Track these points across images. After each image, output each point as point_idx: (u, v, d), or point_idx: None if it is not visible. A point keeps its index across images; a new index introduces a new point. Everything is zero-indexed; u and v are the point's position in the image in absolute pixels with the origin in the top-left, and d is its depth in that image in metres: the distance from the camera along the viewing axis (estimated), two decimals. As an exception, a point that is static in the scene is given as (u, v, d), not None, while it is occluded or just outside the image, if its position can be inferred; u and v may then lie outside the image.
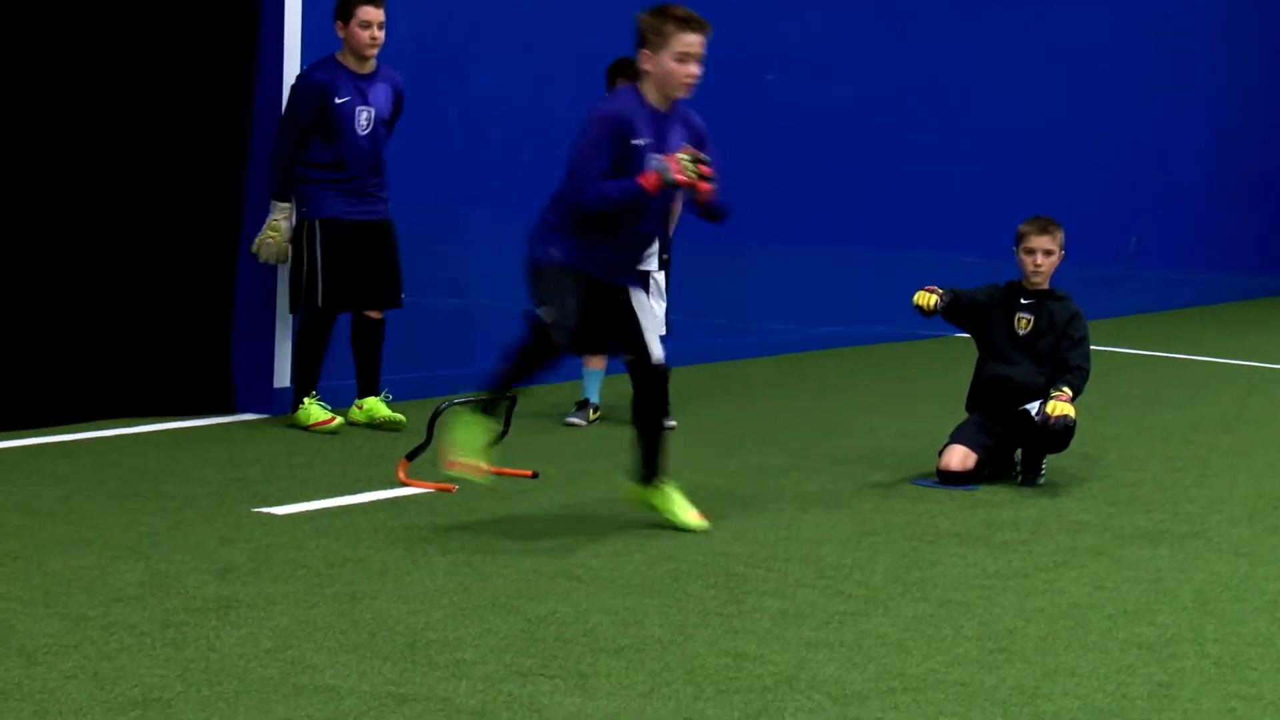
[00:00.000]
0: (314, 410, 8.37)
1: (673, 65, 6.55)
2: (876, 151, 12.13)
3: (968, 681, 5.11)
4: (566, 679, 4.98)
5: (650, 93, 6.65)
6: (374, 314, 8.53)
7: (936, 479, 7.81)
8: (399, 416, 8.47)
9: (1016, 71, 13.11)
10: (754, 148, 11.18)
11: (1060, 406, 7.63)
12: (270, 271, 8.66)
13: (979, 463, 7.79)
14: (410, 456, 7.48)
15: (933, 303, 7.79)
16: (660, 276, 8.93)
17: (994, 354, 7.98)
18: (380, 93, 8.41)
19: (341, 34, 8.30)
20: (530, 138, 9.80)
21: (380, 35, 8.30)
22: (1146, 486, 7.96)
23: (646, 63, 6.61)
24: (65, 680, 4.76)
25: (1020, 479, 7.86)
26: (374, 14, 8.26)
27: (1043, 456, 7.85)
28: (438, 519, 6.83)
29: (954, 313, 7.96)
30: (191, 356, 8.65)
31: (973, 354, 8.19)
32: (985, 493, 7.68)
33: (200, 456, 7.79)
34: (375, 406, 8.54)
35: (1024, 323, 7.94)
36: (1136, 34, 14.18)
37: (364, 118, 8.33)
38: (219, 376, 8.74)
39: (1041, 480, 7.84)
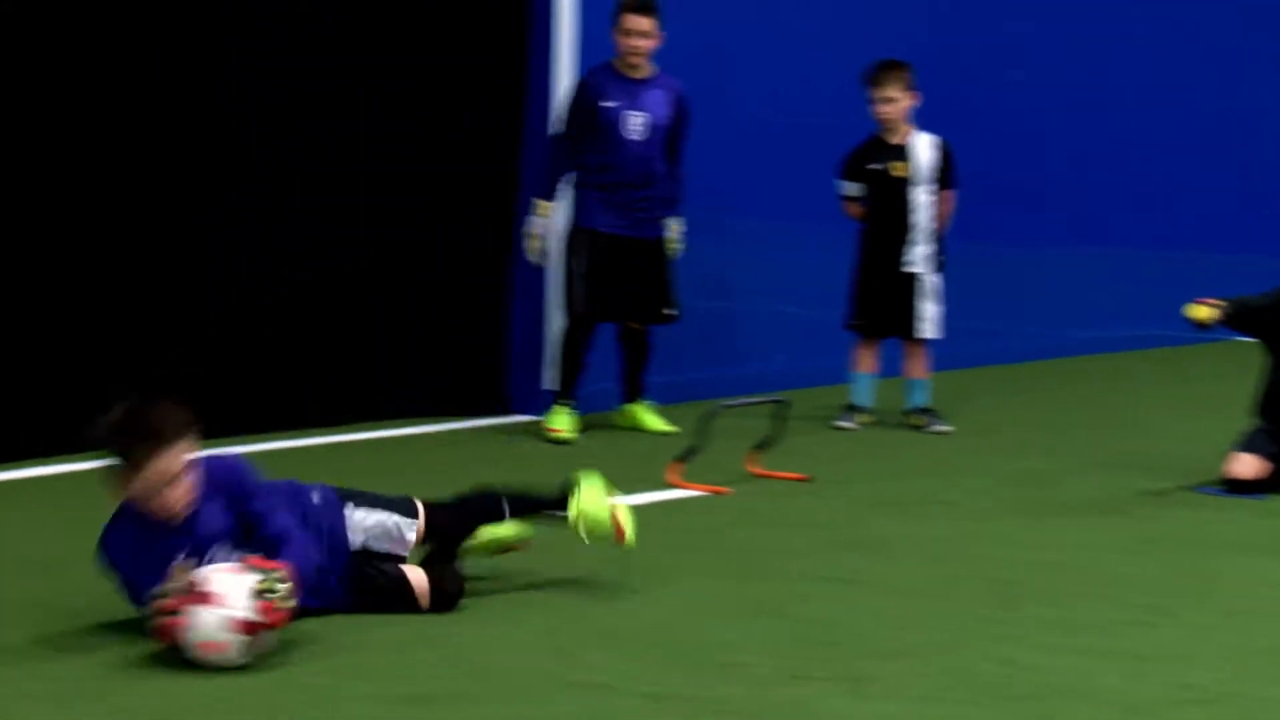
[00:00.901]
0: (557, 417, 8.34)
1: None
2: (1149, 151, 11.82)
3: (1261, 695, 4.93)
4: (838, 683, 4.93)
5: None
6: (635, 325, 8.52)
7: (1223, 487, 7.55)
8: (667, 427, 8.41)
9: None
10: (1005, 145, 10.96)
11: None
12: (542, 272, 8.76)
13: (1271, 471, 7.50)
14: (681, 459, 7.50)
15: (1206, 315, 7.49)
16: (933, 279, 8.81)
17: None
18: (656, 99, 8.34)
19: (613, 40, 8.34)
20: (794, 140, 9.76)
21: (643, 44, 8.25)
22: None
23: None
24: (335, 676, 4.85)
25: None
26: (636, 22, 8.23)
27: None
28: (709, 521, 6.82)
29: (1239, 322, 7.67)
30: (466, 359, 8.80)
31: (1255, 359, 7.90)
32: (1276, 502, 7.41)
33: (475, 456, 7.91)
34: (638, 414, 8.53)
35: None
36: None
37: (634, 123, 8.28)
38: (493, 378, 8.88)
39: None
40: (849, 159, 8.88)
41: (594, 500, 5.72)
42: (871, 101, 8.71)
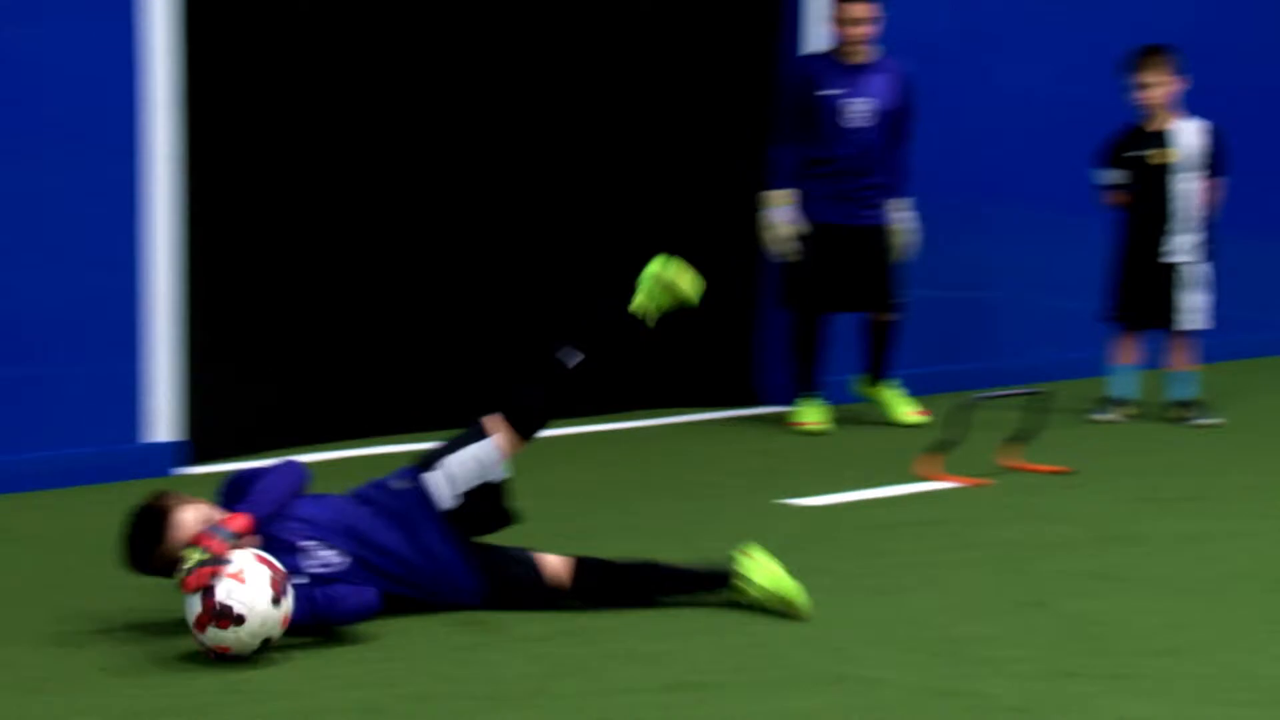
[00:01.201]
0: (805, 410, 8.29)
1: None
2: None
3: None
4: (1108, 680, 4.83)
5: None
6: (882, 317, 8.38)
7: None
8: (915, 418, 8.33)
9: None
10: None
11: None
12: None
13: None
14: (939, 451, 7.42)
15: None
16: (1197, 269, 8.58)
17: None
18: (879, 84, 8.17)
19: (833, 28, 8.20)
20: (1051, 128, 9.59)
21: (861, 31, 8.08)
22: None
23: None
24: (615, 660, 4.89)
25: None
26: (852, 10, 8.08)
27: None
28: (968, 514, 6.74)
29: None
30: (718, 350, 8.82)
31: None
32: None
33: (729, 447, 7.93)
34: (887, 398, 8.47)
35: None
36: None
37: (855, 110, 8.12)
38: (744, 369, 8.89)
39: None
40: (1107, 147, 8.71)
41: (769, 572, 5.38)
42: (1132, 88, 8.52)
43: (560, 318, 8.25)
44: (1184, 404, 8.67)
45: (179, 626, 4.93)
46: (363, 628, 5.03)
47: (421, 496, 5.29)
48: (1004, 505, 6.89)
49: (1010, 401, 7.80)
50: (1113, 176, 8.68)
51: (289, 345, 7.59)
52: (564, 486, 7.05)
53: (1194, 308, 8.60)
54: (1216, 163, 8.59)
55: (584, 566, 5.36)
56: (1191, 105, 8.72)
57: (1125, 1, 9.87)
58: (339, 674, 4.70)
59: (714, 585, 5.41)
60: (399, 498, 5.28)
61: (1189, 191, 8.56)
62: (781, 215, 8.19)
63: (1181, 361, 8.70)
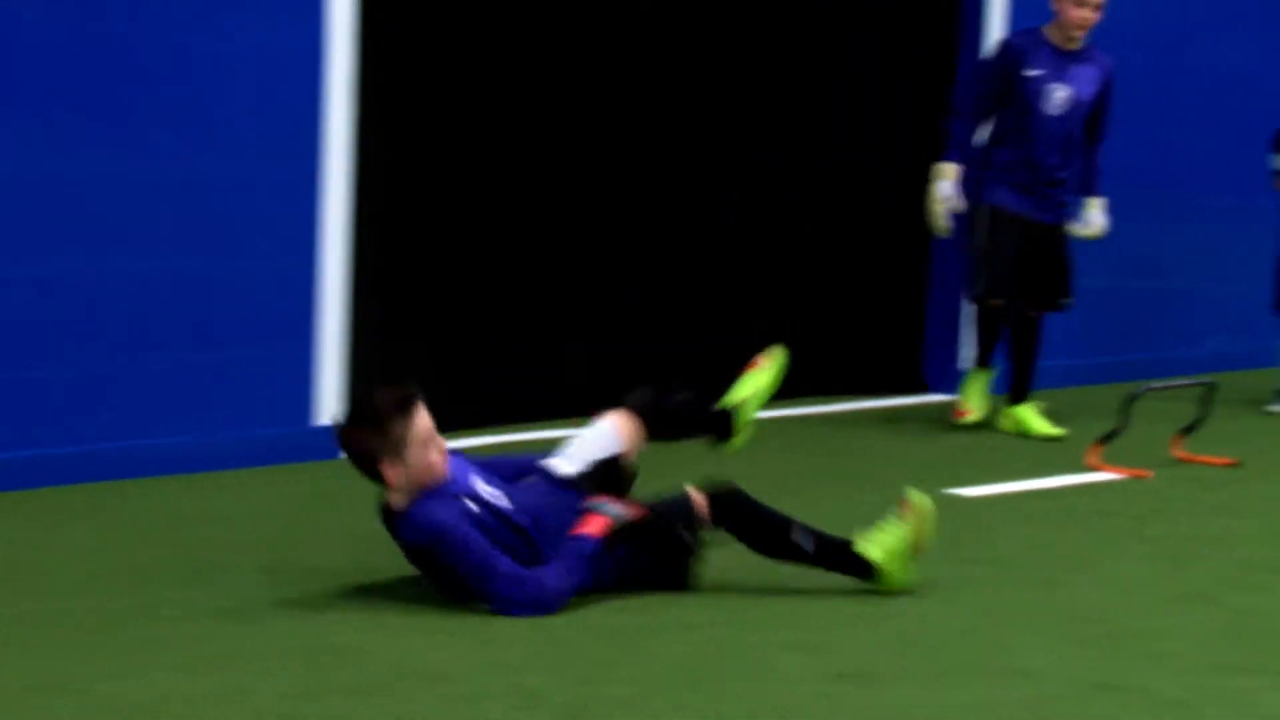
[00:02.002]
0: (970, 391, 8.04)
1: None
2: None
3: None
4: (1272, 676, 4.78)
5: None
6: (1031, 312, 7.98)
7: None
8: (1057, 430, 7.88)
9: None
10: None
11: None
12: (960, 251, 8.68)
13: None
14: (1103, 441, 7.36)
15: None
16: None
17: None
18: (1084, 74, 7.76)
19: (1055, 6, 7.73)
20: (1234, 115, 9.43)
21: (1095, 16, 7.68)
22: None
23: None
24: (780, 650, 4.92)
25: None
26: None
27: None
28: (1133, 505, 6.68)
29: None
30: (886, 337, 8.81)
31: None
32: None
33: (894, 435, 7.92)
34: (1026, 417, 7.98)
35: None
36: None
37: (1058, 97, 7.73)
38: (911, 356, 8.87)
39: None
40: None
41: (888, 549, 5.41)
42: None
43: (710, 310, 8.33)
44: None
45: (346, 607, 5.04)
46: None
47: (547, 476, 5.44)
48: (1170, 497, 6.82)
49: (1179, 393, 7.70)
50: None
51: (456, 332, 7.71)
52: (730, 473, 7.06)
53: None
54: None
55: (719, 500, 5.39)
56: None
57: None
58: (499, 659, 4.78)
59: (844, 567, 5.39)
60: (534, 487, 5.42)
61: None
62: (945, 190, 7.80)
63: None
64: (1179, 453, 7.44)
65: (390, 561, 5.33)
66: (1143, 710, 4.51)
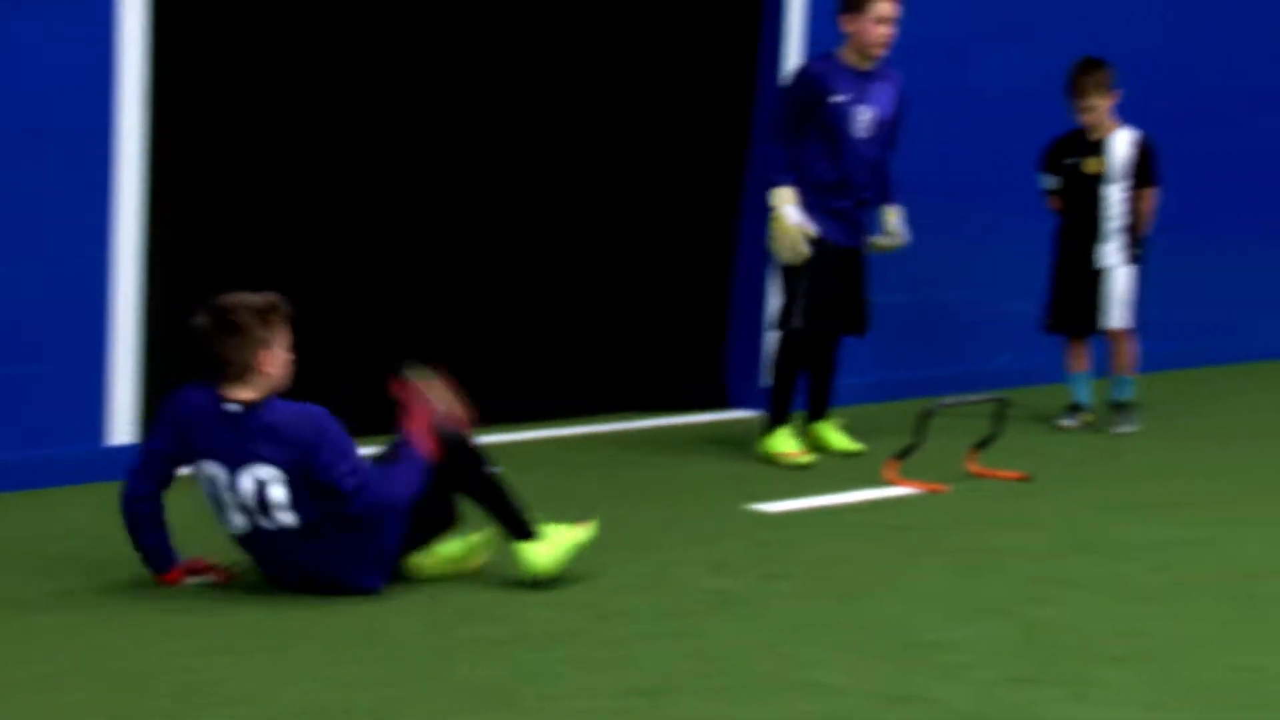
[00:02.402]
0: (782, 440, 7.70)
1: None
2: None
3: None
4: (1064, 687, 4.86)
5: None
6: (842, 335, 7.92)
7: None
8: (856, 446, 7.84)
9: None
10: (1225, 136, 10.71)
11: None
12: (762, 269, 8.75)
13: None
14: (900, 456, 7.45)
15: None
16: (1122, 271, 8.55)
17: None
18: (883, 93, 7.69)
19: (850, 28, 7.59)
20: (1025, 132, 9.61)
21: (892, 33, 7.59)
22: None
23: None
24: (571, 666, 4.91)
25: None
26: (891, 9, 7.56)
27: None
28: (930, 519, 6.77)
29: None
30: (687, 354, 8.84)
31: None
32: None
33: (696, 452, 7.94)
34: (826, 434, 7.91)
35: None
36: None
37: (864, 119, 7.63)
38: (713, 374, 8.91)
39: None
40: (1048, 151, 8.73)
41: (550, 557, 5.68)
42: (1072, 102, 8.56)
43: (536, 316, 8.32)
44: (1115, 405, 8.66)
45: (137, 628, 4.93)
46: (329, 627, 5.05)
47: None
48: (966, 511, 6.92)
49: (973, 408, 7.84)
50: (1050, 181, 8.70)
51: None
52: (532, 491, 7.04)
53: (1115, 308, 8.57)
54: (1147, 173, 8.57)
55: (449, 444, 5.61)
56: (1161, 115, 8.75)
57: (1102, 7, 9.90)
58: (299, 677, 4.70)
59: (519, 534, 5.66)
60: None
61: (1118, 201, 8.55)
62: (795, 215, 7.58)
63: (1117, 365, 8.70)
64: (974, 467, 7.56)
65: (187, 590, 5.21)
66: (936, 722, 4.58)
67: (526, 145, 8.26)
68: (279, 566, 5.44)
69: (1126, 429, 8.58)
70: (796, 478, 7.44)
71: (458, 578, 5.67)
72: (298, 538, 5.35)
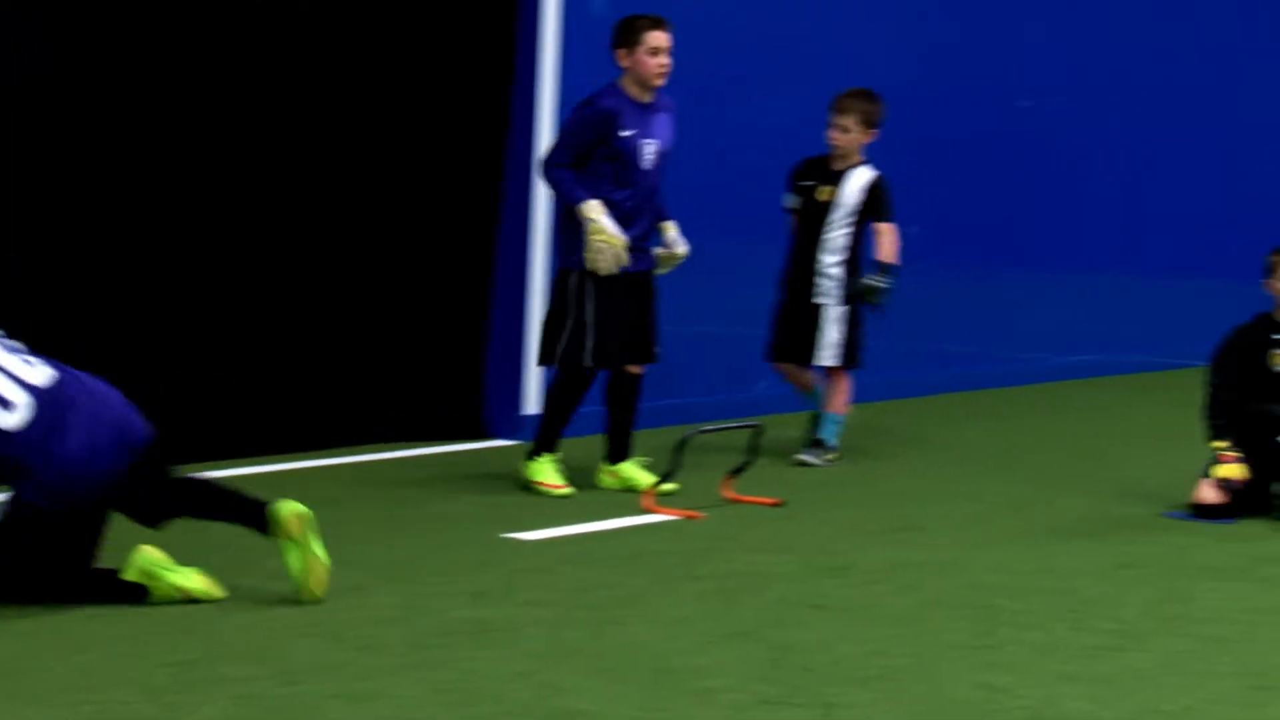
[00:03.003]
0: (548, 470, 7.68)
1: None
2: (1134, 175, 11.90)
3: (1229, 719, 4.97)
4: (813, 708, 4.96)
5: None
6: (635, 369, 7.84)
7: (1191, 512, 7.62)
8: (669, 486, 7.60)
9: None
10: (1007, 171, 11.08)
11: (1315, 437, 7.40)
12: (522, 297, 8.77)
13: (1235, 495, 7.58)
14: (657, 484, 7.54)
15: (1239, 470, 7.53)
16: (838, 309, 8.50)
17: (1249, 390, 7.76)
18: (663, 124, 7.73)
19: (625, 62, 7.61)
20: (778, 170, 9.80)
21: (669, 62, 7.62)
22: None
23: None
24: (324, 700, 4.88)
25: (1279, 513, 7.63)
26: (664, 39, 7.58)
27: (1303, 489, 7.60)
28: (684, 546, 6.86)
29: (1243, 426, 7.63)
30: (444, 383, 8.83)
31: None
32: (1243, 526, 7.47)
33: (453, 482, 7.93)
34: (633, 474, 7.80)
35: (1278, 358, 7.71)
36: None
37: (649, 152, 7.66)
38: (470, 403, 8.91)
39: (1303, 513, 7.60)
40: (794, 170, 8.63)
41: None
42: (828, 125, 8.53)
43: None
44: (814, 441, 8.55)
45: None
46: (74, 665, 4.95)
47: None
48: (720, 537, 7.02)
49: (727, 435, 7.96)
50: (791, 201, 8.61)
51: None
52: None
53: (830, 345, 8.47)
54: (877, 211, 8.46)
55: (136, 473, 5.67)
56: (922, 147, 8.83)
57: (859, 49, 10.15)
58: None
59: (252, 522, 5.81)
60: None
61: (842, 235, 8.48)
62: (612, 225, 7.50)
63: (830, 401, 8.58)
64: (729, 493, 7.67)
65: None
66: (687, 746, 4.64)
67: (281, 177, 8.22)
68: None
69: (811, 460, 8.45)
70: (555, 506, 7.48)
71: (211, 606, 5.60)
72: None
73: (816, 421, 8.68)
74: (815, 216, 8.55)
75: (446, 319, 8.83)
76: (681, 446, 7.60)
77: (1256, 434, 7.70)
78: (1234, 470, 7.55)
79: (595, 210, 7.52)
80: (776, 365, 8.78)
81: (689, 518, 7.32)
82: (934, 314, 10.70)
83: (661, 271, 7.95)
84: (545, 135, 8.75)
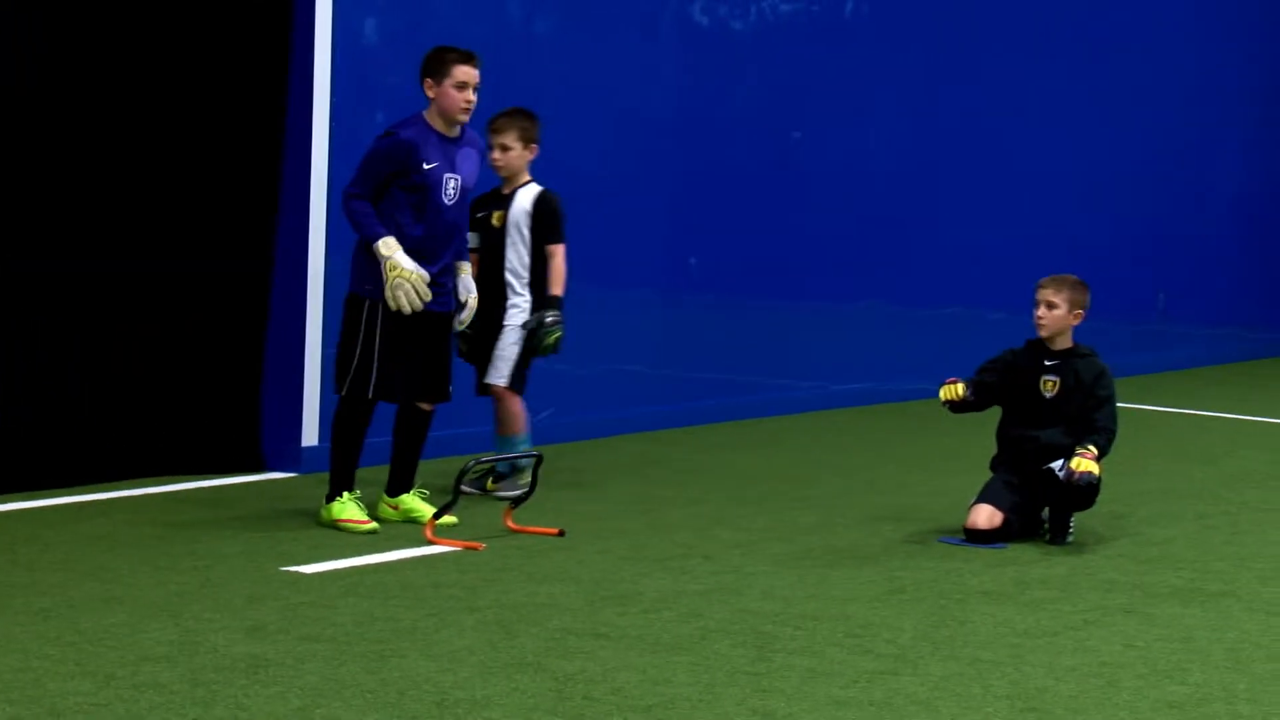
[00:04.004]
0: (350, 508, 7.57)
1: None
2: (906, 206, 12.15)
3: (998, 741, 5.09)
4: (595, 738, 4.97)
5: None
6: (425, 405, 7.77)
7: (964, 537, 7.79)
8: (447, 519, 7.61)
9: (1046, 121, 13.13)
10: (781, 202, 11.25)
11: (1084, 464, 7.62)
12: (299, 328, 8.68)
13: (1006, 521, 7.77)
14: (437, 515, 7.51)
15: (960, 392, 7.86)
16: (514, 331, 8.32)
17: (1020, 417, 7.98)
18: (468, 159, 7.69)
19: (431, 94, 7.57)
20: (580, 203, 9.83)
21: (474, 99, 7.60)
22: (1177, 544, 7.93)
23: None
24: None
25: (1049, 537, 7.84)
26: (471, 74, 7.55)
27: (1069, 515, 7.83)
28: (465, 577, 6.83)
29: (984, 401, 7.99)
30: (220, 415, 8.70)
31: (995, 415, 8.19)
32: (1014, 551, 7.66)
33: (230, 515, 7.81)
34: (414, 505, 7.75)
35: (1050, 385, 7.94)
36: (1170, 80, 14.19)
37: (451, 187, 7.60)
38: (248, 435, 8.79)
39: (1070, 539, 7.81)
40: (471, 208, 8.15)
41: None
42: (489, 148, 8.36)
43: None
44: (496, 475, 8.42)
45: None
46: None
47: None
48: (501, 567, 7.01)
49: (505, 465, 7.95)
50: (473, 240, 8.25)
51: None
52: (43, 559, 6.83)
53: (501, 364, 8.31)
54: (546, 231, 8.31)
55: None
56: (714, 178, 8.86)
57: (650, 80, 10.24)
58: None
59: None
60: None
61: (519, 256, 8.34)
62: (409, 261, 7.44)
63: (502, 427, 8.40)
64: (510, 524, 7.66)
65: None
66: (467, 779, 4.62)
67: (53, 187, 8.08)
68: None
69: (509, 494, 8.14)
70: (335, 539, 7.41)
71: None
72: None
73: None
74: (495, 244, 8.35)
75: (222, 349, 8.70)
76: (462, 476, 7.57)
77: (1026, 461, 7.91)
78: (952, 391, 7.87)
79: (390, 246, 7.43)
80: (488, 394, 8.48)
81: (470, 549, 7.30)
82: (710, 343, 10.83)
83: (461, 323, 7.84)
84: (321, 158, 8.70)
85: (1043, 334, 7.97)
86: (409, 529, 7.55)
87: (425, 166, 7.50)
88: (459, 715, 5.11)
